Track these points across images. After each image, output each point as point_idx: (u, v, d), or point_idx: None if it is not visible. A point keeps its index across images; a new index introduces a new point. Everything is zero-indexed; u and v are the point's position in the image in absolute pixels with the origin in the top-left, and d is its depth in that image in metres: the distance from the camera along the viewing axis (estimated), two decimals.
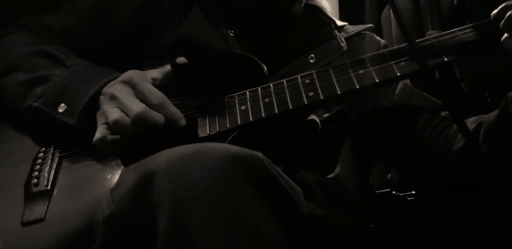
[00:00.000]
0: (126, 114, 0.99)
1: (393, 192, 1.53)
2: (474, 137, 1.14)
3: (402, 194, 1.51)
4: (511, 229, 1.25)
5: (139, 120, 0.98)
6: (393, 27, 1.99)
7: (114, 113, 1.00)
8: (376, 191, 1.57)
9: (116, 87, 1.04)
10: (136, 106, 0.99)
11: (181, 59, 1.10)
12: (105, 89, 1.05)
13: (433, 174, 1.29)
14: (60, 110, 1.09)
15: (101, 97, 1.05)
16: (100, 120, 1.03)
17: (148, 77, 1.06)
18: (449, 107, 1.16)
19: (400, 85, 1.36)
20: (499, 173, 1.16)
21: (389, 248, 1.36)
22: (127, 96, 1.01)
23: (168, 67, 1.09)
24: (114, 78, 1.07)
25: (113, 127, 1.00)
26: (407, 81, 1.37)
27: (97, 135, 1.01)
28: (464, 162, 1.21)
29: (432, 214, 1.35)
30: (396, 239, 1.37)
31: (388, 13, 2.07)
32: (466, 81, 1.64)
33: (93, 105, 1.06)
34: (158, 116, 0.99)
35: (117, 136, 1.00)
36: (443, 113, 1.33)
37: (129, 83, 1.03)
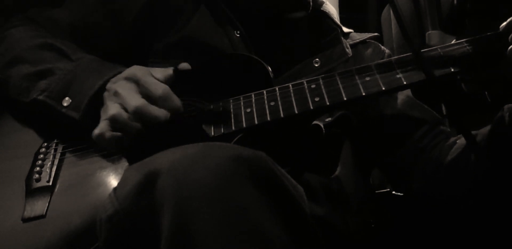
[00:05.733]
0: (125, 109, 0.99)
1: (393, 192, 1.54)
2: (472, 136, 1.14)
3: (402, 194, 1.52)
4: (511, 230, 1.26)
5: (138, 115, 0.98)
6: (393, 27, 1.99)
7: (112, 109, 1.00)
8: (376, 191, 1.57)
9: (119, 84, 1.04)
10: (135, 101, 0.99)
11: (183, 65, 1.10)
12: (109, 85, 1.05)
13: (422, 186, 1.29)
14: (65, 104, 1.09)
15: (105, 93, 1.05)
16: (102, 116, 1.03)
17: (151, 72, 1.06)
18: (447, 105, 1.15)
19: (402, 96, 1.35)
20: (490, 182, 1.15)
21: (389, 248, 1.36)
22: (129, 92, 1.01)
23: (170, 70, 1.09)
24: (119, 73, 1.07)
25: (111, 122, 1.00)
26: (409, 92, 1.37)
27: (96, 130, 1.01)
28: (456, 172, 1.20)
29: (432, 214, 1.35)
30: (396, 239, 1.38)
31: (388, 13, 2.06)
32: (466, 81, 1.64)
33: (98, 100, 1.06)
34: (158, 111, 0.99)
35: (117, 133, 1.00)
36: (442, 127, 1.33)
37: (132, 79, 1.04)
